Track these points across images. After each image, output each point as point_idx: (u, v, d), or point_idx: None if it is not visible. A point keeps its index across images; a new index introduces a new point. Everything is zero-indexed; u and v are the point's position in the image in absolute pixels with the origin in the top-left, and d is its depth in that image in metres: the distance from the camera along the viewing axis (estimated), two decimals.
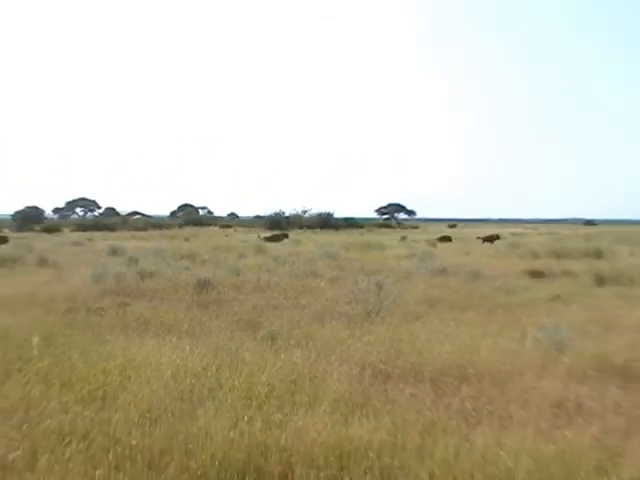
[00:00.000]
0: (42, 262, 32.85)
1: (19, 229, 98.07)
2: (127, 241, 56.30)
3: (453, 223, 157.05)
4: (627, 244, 57.94)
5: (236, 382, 9.71)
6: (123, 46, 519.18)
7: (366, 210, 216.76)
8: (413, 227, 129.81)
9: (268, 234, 70.90)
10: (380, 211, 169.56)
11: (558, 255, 40.42)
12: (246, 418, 8.10)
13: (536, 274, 28.61)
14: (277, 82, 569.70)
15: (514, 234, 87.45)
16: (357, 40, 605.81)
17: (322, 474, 6.82)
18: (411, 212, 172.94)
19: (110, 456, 7.20)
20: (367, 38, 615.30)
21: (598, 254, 40.90)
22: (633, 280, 25.84)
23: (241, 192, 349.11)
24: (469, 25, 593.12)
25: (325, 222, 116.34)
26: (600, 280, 25.98)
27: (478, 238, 65.24)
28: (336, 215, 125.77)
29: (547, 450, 7.16)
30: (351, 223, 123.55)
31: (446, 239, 67.25)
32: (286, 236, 65.62)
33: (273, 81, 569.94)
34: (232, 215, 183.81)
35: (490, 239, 62.95)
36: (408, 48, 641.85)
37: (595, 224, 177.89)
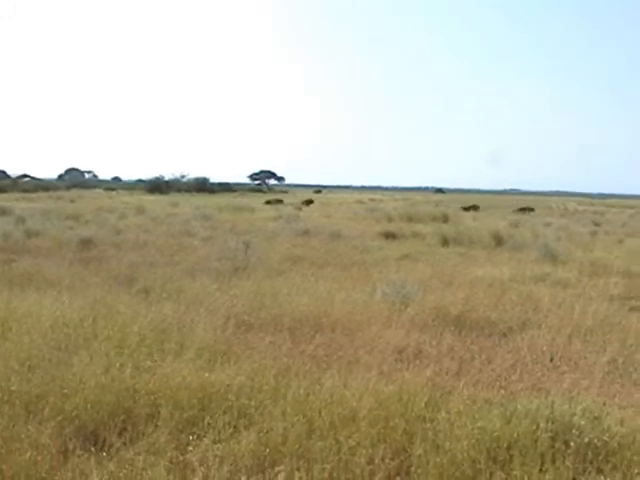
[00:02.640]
0: None
1: None
2: (16, 202, 54.23)
3: (319, 189, 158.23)
4: (470, 210, 59.95)
5: (110, 332, 9.55)
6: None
7: (240, 176, 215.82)
8: (282, 192, 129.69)
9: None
10: (252, 177, 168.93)
11: (410, 219, 41.38)
12: (118, 365, 8.01)
13: (389, 235, 29.25)
14: (159, 54, 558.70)
15: (372, 200, 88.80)
16: (227, 16, 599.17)
17: (185, 414, 6.84)
18: (281, 178, 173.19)
19: None
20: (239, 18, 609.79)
21: (445, 218, 42.11)
22: (472, 241, 26.79)
23: (125, 157, 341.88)
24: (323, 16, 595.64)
25: (201, 186, 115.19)
26: (445, 241, 26.82)
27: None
28: (212, 180, 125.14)
29: (387, 390, 7.35)
30: (225, 188, 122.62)
31: (309, 202, 68.72)
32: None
33: (154, 53, 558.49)
34: (116, 179, 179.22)
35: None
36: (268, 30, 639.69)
37: (444, 192, 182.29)
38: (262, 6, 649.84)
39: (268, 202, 68.18)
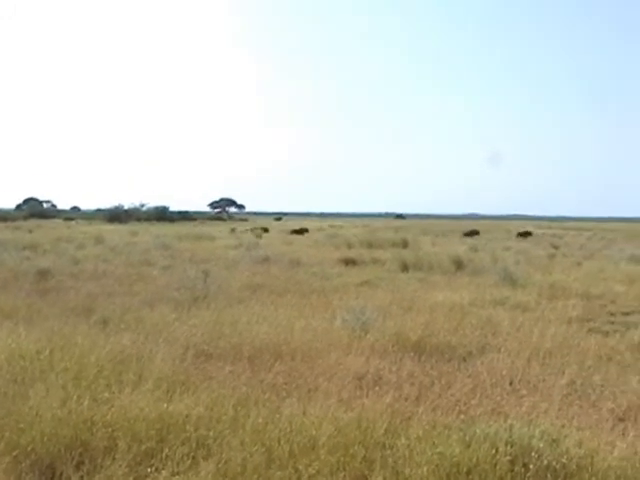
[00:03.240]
0: None
1: None
2: None
3: (279, 216, 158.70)
4: (430, 235, 60.51)
5: (67, 364, 9.43)
6: None
7: (200, 204, 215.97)
8: (242, 220, 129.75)
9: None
10: (213, 205, 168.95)
11: (370, 245, 41.56)
12: (75, 397, 7.91)
13: (349, 262, 29.34)
14: (116, 82, 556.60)
15: (332, 226, 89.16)
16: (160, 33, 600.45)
17: (143, 446, 6.76)
18: (241, 206, 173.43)
19: None
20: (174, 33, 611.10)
21: (404, 244, 42.41)
22: (432, 266, 26.97)
23: (84, 186, 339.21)
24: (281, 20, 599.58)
25: (161, 215, 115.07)
26: (404, 267, 26.95)
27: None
28: (171, 209, 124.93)
29: (347, 417, 7.35)
30: (185, 216, 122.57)
31: (265, 230, 69.28)
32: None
33: (111, 80, 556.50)
34: (75, 208, 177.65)
35: (300, 232, 65.09)
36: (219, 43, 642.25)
37: (404, 218, 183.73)
38: (221, 33, 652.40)
39: (233, 230, 68.40)
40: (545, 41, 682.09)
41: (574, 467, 6.23)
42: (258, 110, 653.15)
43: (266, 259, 29.22)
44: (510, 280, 21.91)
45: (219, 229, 71.98)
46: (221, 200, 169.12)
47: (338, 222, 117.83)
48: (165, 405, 7.76)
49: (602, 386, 9.97)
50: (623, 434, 7.63)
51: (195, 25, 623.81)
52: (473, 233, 65.33)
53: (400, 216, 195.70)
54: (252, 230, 67.92)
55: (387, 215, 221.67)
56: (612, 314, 17.26)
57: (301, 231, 66.48)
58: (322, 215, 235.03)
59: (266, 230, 69.71)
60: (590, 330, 14.50)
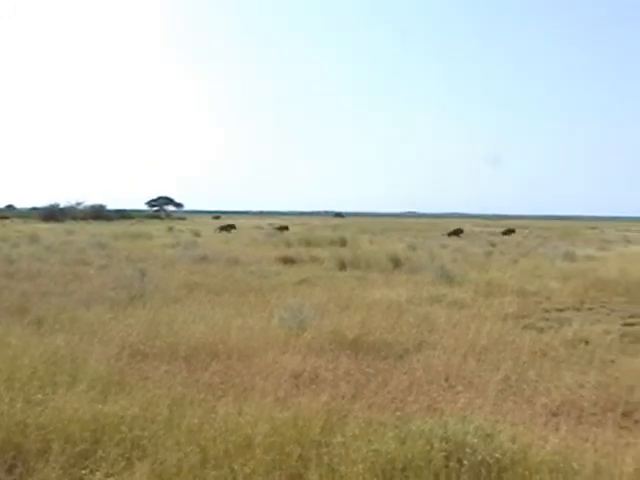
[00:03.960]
0: None
1: None
2: None
3: (217, 215, 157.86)
4: (368, 233, 60.83)
5: (0, 365, 9.27)
6: None
7: (137, 202, 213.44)
8: (180, 218, 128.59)
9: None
10: (150, 204, 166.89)
11: (308, 243, 41.64)
12: (7, 399, 7.75)
13: (287, 260, 29.38)
14: (51, 78, 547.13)
15: (271, 225, 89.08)
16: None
17: (77, 448, 6.68)
18: (179, 204, 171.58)
19: None
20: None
21: (343, 242, 42.56)
22: (370, 264, 27.13)
23: (18, 184, 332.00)
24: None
25: (98, 214, 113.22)
26: (342, 265, 27.10)
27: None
28: (109, 207, 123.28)
29: (283, 416, 7.34)
30: (123, 215, 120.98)
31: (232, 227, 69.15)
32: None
33: (46, 76, 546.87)
34: (9, 207, 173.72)
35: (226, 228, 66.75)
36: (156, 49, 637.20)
37: (343, 216, 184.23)
38: (153, 32, 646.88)
39: (170, 229, 67.92)
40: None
41: (508, 462, 6.31)
42: (197, 109, 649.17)
43: (204, 258, 29.09)
44: (447, 278, 22.17)
45: (157, 228, 71.21)
46: (159, 198, 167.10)
47: (277, 220, 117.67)
48: (100, 406, 7.68)
49: (536, 381, 10.17)
50: (556, 429, 7.78)
51: (121, 26, 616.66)
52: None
53: (339, 214, 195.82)
54: (221, 228, 67.94)
55: (326, 213, 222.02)
56: (547, 311, 17.58)
57: (228, 227, 67.86)
58: (261, 213, 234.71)
59: (232, 227, 69.61)
60: (525, 326, 14.76)
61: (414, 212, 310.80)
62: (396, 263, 27.36)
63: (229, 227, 68.41)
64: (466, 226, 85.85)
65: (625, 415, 8.90)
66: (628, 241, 56.25)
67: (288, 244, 41.65)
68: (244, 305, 16.34)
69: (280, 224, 77.29)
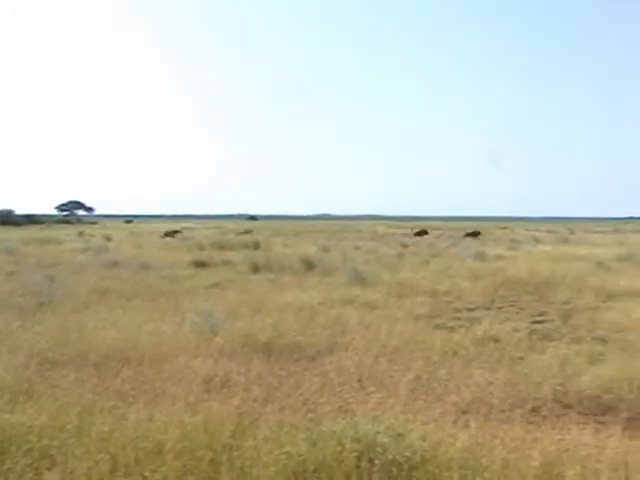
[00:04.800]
0: None
1: None
2: None
3: (130, 219, 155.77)
4: (282, 236, 60.91)
5: None
6: None
7: (47, 207, 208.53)
8: (92, 223, 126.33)
9: None
10: (60, 208, 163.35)
11: (221, 247, 41.53)
12: None
13: (200, 264, 29.33)
14: None
15: (184, 228, 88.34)
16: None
17: None
18: (90, 209, 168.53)
19: None
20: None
21: (256, 245, 42.56)
22: (283, 267, 27.19)
23: None
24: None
25: (6, 219, 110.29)
26: (255, 268, 27.11)
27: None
28: (17, 212, 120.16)
29: (193, 421, 7.30)
30: (32, 220, 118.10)
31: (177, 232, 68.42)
32: None
33: None
34: None
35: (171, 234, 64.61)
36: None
37: (257, 219, 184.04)
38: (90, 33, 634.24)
39: (81, 234, 66.58)
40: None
41: (418, 460, 6.39)
42: (106, 111, 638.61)
43: (115, 263, 28.75)
44: (359, 279, 22.36)
45: (67, 232, 69.89)
46: (69, 203, 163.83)
47: (190, 224, 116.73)
48: (7, 416, 7.52)
49: (447, 380, 10.33)
50: (466, 426, 7.89)
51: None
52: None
53: (252, 217, 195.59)
54: (166, 234, 66.82)
55: (239, 217, 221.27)
56: (458, 310, 17.92)
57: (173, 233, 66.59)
58: (174, 217, 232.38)
59: (177, 231, 68.67)
60: (436, 326, 15.01)
61: (328, 214, 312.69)
62: (309, 265, 27.50)
63: (174, 232, 67.48)
64: (379, 228, 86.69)
65: (533, 411, 9.12)
66: (537, 241, 57.73)
67: (201, 248, 41.44)
68: (156, 310, 16.20)
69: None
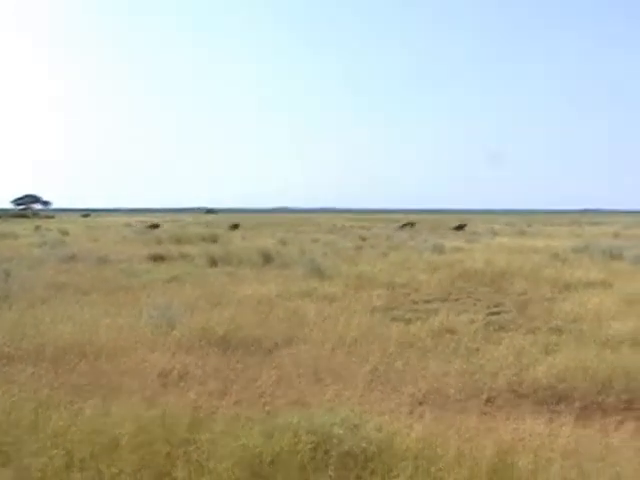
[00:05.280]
0: None
1: None
2: None
3: (87, 213, 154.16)
4: (240, 229, 60.73)
5: None
6: None
7: (2, 201, 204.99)
8: (48, 217, 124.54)
9: None
10: (16, 202, 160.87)
11: (179, 240, 41.33)
12: None
13: (158, 258, 29.13)
14: None
15: (142, 222, 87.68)
16: None
17: None
18: (47, 202, 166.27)
19: None
20: None
21: (214, 239, 42.39)
22: (241, 260, 27.12)
23: None
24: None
25: None
26: (213, 261, 27.00)
27: None
28: None
29: (150, 415, 7.29)
30: None
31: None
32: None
33: None
34: None
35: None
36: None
37: (215, 212, 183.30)
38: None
39: (37, 228, 65.56)
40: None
41: (374, 450, 6.46)
42: (60, 105, 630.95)
43: (72, 257, 28.34)
44: (318, 272, 22.38)
45: (23, 227, 68.79)
46: (25, 197, 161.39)
47: (148, 218, 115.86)
48: None
49: (403, 371, 10.44)
50: (422, 416, 7.97)
51: None
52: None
53: (211, 211, 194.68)
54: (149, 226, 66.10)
55: (198, 210, 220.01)
56: (415, 302, 18.01)
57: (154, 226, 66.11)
58: (132, 211, 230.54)
59: (156, 226, 67.94)
60: (394, 318, 15.08)
61: (286, 207, 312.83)
62: (267, 258, 27.46)
63: (155, 226, 66.83)
64: (338, 221, 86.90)
65: (488, 401, 9.26)
66: (494, 233, 58.23)
67: (159, 241, 41.23)
68: (113, 304, 16.09)
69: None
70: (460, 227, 69.40)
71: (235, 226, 67.12)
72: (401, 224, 73.41)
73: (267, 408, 7.94)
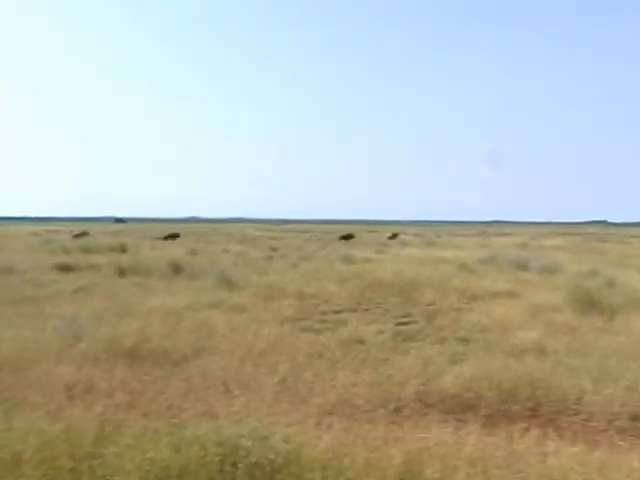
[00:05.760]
0: None
1: None
2: None
3: None
4: (150, 239, 60.04)
5: None
6: None
7: None
8: None
9: None
10: None
11: (87, 250, 40.57)
12: None
13: (65, 268, 28.65)
14: None
15: (48, 231, 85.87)
16: None
17: None
18: None
19: None
20: None
21: (123, 248, 41.84)
22: (150, 271, 26.78)
23: None
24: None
25: None
26: (121, 272, 26.61)
27: None
28: None
29: (54, 429, 7.13)
30: None
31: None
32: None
33: None
34: None
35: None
36: None
37: (125, 222, 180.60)
38: None
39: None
40: None
41: (282, 462, 6.45)
42: None
43: None
44: (227, 282, 22.29)
45: None
46: None
47: (54, 227, 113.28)
48: None
49: (312, 382, 10.46)
50: (330, 427, 8.00)
51: None
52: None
53: (120, 220, 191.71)
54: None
55: (106, 219, 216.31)
56: (324, 312, 18.08)
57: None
58: (38, 219, 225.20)
59: (85, 234, 65.76)
60: (303, 329, 15.13)
61: (196, 217, 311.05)
62: (177, 269, 27.20)
63: (83, 234, 65.41)
64: (249, 231, 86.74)
65: (396, 411, 9.35)
66: (404, 244, 59.01)
67: (66, 251, 40.36)
68: (17, 315, 15.75)
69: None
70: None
71: (173, 236, 65.44)
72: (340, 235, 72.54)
73: (174, 420, 7.86)
